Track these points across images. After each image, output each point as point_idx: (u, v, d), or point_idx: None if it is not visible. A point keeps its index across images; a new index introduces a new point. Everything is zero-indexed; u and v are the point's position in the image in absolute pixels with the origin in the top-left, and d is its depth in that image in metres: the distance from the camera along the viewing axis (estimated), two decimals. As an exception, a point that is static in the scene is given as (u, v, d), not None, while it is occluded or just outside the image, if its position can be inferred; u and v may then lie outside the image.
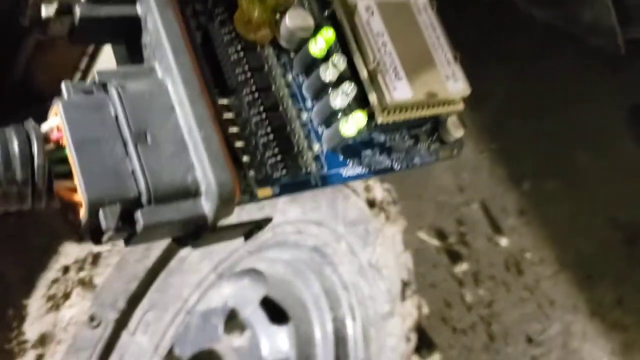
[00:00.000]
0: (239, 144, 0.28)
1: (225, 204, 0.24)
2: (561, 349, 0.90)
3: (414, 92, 0.33)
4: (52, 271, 0.50)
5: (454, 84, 0.35)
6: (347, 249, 0.77)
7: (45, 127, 0.24)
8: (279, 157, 0.30)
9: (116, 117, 0.24)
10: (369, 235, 0.79)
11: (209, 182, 0.24)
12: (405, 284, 0.87)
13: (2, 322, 0.48)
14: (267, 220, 0.27)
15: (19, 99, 0.73)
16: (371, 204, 0.79)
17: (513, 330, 0.92)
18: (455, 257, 0.94)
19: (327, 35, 0.30)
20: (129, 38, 0.27)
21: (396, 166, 0.34)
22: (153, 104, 0.24)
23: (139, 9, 0.26)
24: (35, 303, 0.50)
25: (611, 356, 0.92)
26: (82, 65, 0.83)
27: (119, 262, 0.52)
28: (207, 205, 0.24)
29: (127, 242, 0.24)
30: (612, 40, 0.83)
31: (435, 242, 0.94)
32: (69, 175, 0.23)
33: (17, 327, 0.49)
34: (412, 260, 0.88)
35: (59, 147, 0.23)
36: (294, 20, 0.31)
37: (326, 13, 0.34)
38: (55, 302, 0.50)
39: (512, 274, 0.94)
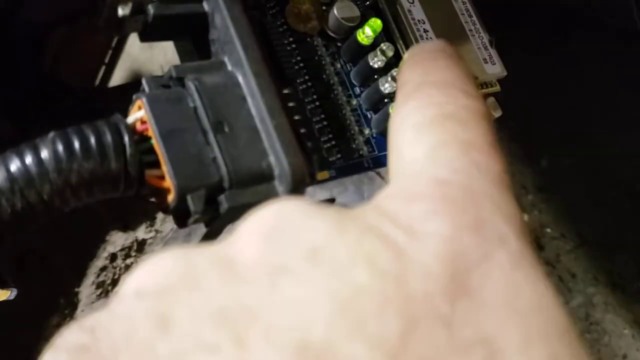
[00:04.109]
0: (302, 130, 0.30)
1: (298, 187, 0.26)
2: (584, 321, 0.92)
3: (456, 76, 0.34)
4: (101, 259, 0.52)
5: (491, 67, 0.36)
6: (373, 230, 0.78)
7: (130, 120, 0.26)
8: (333, 142, 0.32)
9: (195, 109, 0.26)
10: (394, 216, 0.80)
11: (282, 167, 0.26)
12: (429, 263, 0.88)
13: (55, 309, 0.50)
14: (329, 201, 0.29)
15: (47, 93, 0.74)
16: (394, 185, 0.80)
17: (535, 305, 0.94)
18: (476, 235, 0.96)
19: (375, 24, 0.32)
20: (194, 34, 0.29)
21: (441, 146, 0.35)
22: (227, 95, 0.26)
23: (206, 6, 0.28)
24: (86, 290, 0.52)
25: (633, 324, 0.94)
26: (107, 58, 0.85)
27: (163, 248, 0.54)
28: (280, 188, 0.26)
29: (209, 223, 0.26)
30: (629, 17, 0.85)
31: (456, 220, 0.95)
32: (156, 164, 0.25)
33: (69, 314, 0.51)
34: (435, 239, 0.90)
35: (145, 138, 0.25)
36: (342, 11, 0.33)
37: (368, 3, 0.36)
38: (105, 289, 0.52)
39: (534, 249, 0.96)
